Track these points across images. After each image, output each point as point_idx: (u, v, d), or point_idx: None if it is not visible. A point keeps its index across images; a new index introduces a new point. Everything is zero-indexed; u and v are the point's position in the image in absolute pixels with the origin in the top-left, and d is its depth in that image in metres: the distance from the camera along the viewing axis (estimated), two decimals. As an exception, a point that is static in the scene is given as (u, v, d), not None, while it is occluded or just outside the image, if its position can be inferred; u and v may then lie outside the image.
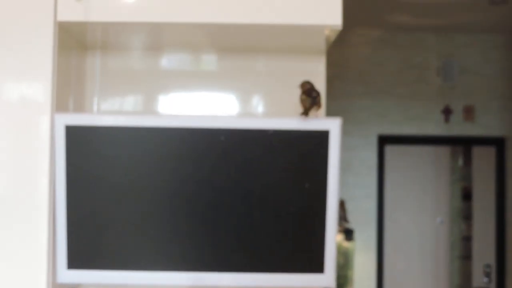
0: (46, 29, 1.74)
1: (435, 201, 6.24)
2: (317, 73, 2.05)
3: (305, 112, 1.78)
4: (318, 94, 1.80)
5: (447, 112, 5.83)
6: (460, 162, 6.38)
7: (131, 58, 2.12)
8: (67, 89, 1.90)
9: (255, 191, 1.79)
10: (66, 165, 1.75)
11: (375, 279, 5.89)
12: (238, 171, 1.79)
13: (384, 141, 5.96)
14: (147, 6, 1.75)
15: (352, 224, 5.36)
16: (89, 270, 1.80)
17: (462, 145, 6.26)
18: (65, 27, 1.80)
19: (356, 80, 5.89)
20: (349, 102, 5.85)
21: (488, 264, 5.87)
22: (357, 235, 5.46)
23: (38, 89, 1.73)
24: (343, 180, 5.49)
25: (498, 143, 5.97)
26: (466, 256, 6.26)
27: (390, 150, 6.04)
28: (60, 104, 1.80)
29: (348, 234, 4.83)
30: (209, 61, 2.14)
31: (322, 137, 1.78)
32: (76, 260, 1.79)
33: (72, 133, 1.75)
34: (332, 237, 1.80)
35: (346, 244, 4.79)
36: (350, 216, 5.53)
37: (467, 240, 6.27)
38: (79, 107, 2.03)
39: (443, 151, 6.31)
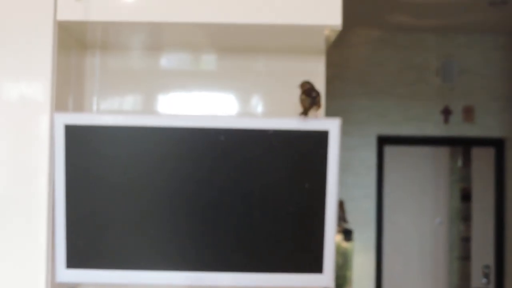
0: (45, 29, 1.74)
1: (434, 201, 6.24)
2: (316, 73, 2.05)
3: (305, 112, 1.78)
4: (317, 94, 1.80)
5: (446, 112, 5.84)
6: (460, 162, 6.39)
7: (131, 57, 2.12)
8: (67, 88, 1.90)
9: (255, 191, 1.79)
10: (65, 164, 1.75)
11: (374, 279, 5.89)
12: (237, 171, 1.79)
13: (383, 141, 5.97)
14: (147, 5, 1.75)
15: (351, 224, 5.36)
16: (88, 270, 1.80)
17: (462, 145, 6.26)
18: (64, 26, 1.80)
19: (356, 80, 5.89)
20: (348, 102, 5.86)
21: (487, 265, 5.88)
22: (356, 235, 5.47)
23: (38, 88, 1.73)
24: (342, 180, 5.48)
25: (497, 144, 5.97)
26: (465, 256, 6.26)
27: (390, 151, 6.04)
28: (59, 104, 1.80)
29: (347, 234, 4.84)
30: (209, 61, 2.14)
31: (321, 137, 1.78)
32: (75, 259, 1.79)
33: (72, 132, 1.75)
34: (331, 237, 1.80)
35: (345, 244, 4.80)
36: (349, 216, 5.53)
37: (466, 241, 6.27)
38: (79, 107, 2.03)
39: (443, 152, 6.31)
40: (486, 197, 6.04)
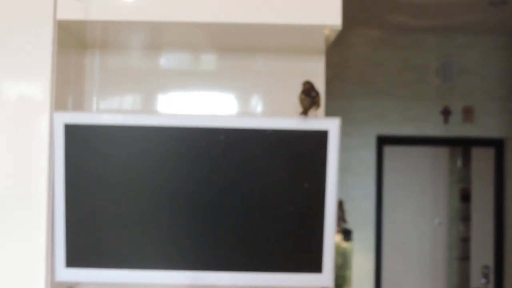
0: (45, 28, 1.74)
1: (434, 202, 6.24)
2: (316, 73, 2.05)
3: (304, 112, 1.79)
4: (317, 93, 1.80)
5: (446, 113, 5.83)
6: (459, 163, 6.39)
7: (130, 57, 2.12)
8: (66, 87, 1.90)
9: (254, 191, 1.79)
10: (65, 163, 1.75)
11: (373, 279, 5.89)
12: (237, 171, 1.79)
13: (383, 141, 5.96)
14: (146, 5, 1.75)
15: (350, 224, 5.36)
16: (88, 269, 1.80)
17: (461, 146, 6.26)
18: (64, 25, 1.80)
19: (356, 80, 5.89)
20: (348, 102, 5.85)
21: (486, 265, 5.88)
22: (355, 235, 5.47)
23: (37, 87, 1.73)
24: (342, 180, 5.49)
25: (497, 144, 5.97)
26: (464, 257, 6.27)
27: (389, 151, 6.04)
28: (59, 103, 1.80)
29: (346, 234, 4.84)
30: (209, 60, 2.14)
31: (321, 137, 1.78)
32: (75, 258, 1.79)
33: (71, 131, 1.75)
34: (331, 237, 1.80)
35: (345, 244, 4.79)
36: (349, 216, 5.53)
37: (465, 241, 6.28)
38: (78, 106, 2.03)
39: (442, 152, 6.31)
40: (486, 197, 6.04)
